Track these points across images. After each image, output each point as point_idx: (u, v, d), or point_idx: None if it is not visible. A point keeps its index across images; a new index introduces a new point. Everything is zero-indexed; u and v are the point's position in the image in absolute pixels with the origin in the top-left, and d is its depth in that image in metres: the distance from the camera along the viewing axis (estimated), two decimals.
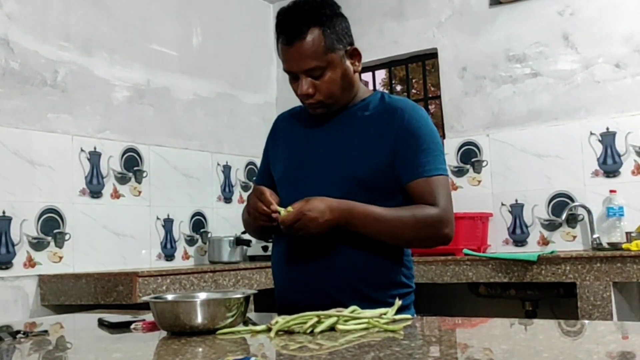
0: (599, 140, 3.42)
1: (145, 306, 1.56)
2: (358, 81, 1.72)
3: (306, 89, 1.60)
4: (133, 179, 3.37)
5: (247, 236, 3.45)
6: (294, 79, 1.63)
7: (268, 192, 1.59)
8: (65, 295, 2.84)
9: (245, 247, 3.64)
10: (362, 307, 1.42)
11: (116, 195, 3.27)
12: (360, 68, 1.69)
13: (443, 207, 1.59)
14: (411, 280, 1.72)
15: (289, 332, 1.29)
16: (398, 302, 1.45)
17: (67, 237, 3.03)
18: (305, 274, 1.65)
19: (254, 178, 1.95)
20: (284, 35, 1.59)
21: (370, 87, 4.53)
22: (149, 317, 1.57)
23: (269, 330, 1.30)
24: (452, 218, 1.61)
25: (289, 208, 1.54)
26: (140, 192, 3.39)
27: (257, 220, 1.61)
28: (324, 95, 1.62)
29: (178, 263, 3.54)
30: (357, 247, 1.62)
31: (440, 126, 3.97)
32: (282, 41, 1.60)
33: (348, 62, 1.64)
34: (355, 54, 1.67)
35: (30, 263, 2.88)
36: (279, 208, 1.56)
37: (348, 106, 1.70)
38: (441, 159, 1.65)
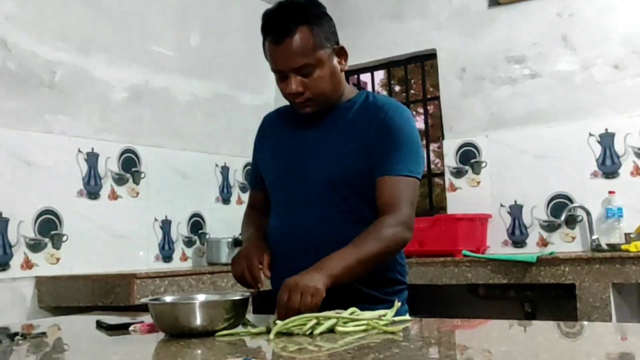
0: (598, 142, 3.42)
1: (143, 308, 1.56)
2: (344, 81, 1.73)
3: (296, 87, 1.60)
4: (131, 180, 3.36)
5: None
6: (282, 78, 1.63)
7: (256, 260, 1.62)
8: (62, 297, 2.83)
9: None
10: (360, 305, 1.43)
11: (114, 196, 3.26)
12: (346, 67, 1.70)
13: (402, 212, 1.56)
14: (405, 276, 1.73)
15: (288, 333, 1.29)
16: (397, 304, 1.45)
17: (64, 238, 3.02)
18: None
19: (249, 180, 1.94)
20: (273, 34, 1.59)
21: (369, 88, 4.53)
22: (147, 319, 1.57)
23: (268, 332, 1.29)
24: (411, 222, 1.58)
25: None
26: (138, 193, 3.39)
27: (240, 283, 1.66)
28: (313, 93, 1.62)
29: (176, 264, 3.53)
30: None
31: (439, 127, 3.97)
32: (270, 40, 1.60)
33: (335, 61, 1.66)
34: (342, 53, 1.68)
35: (28, 264, 2.87)
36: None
37: (335, 106, 1.70)
38: (414, 159, 1.62)
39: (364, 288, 1.62)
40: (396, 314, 1.50)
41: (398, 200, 1.57)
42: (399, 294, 1.67)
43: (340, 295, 1.56)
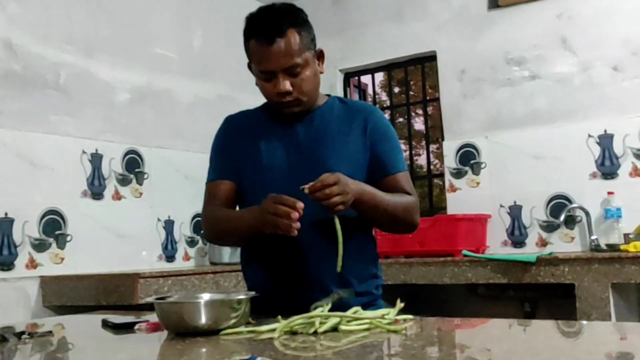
0: (597, 143, 3.44)
1: (146, 307, 1.57)
2: None
3: (287, 86, 1.65)
4: (134, 181, 3.38)
5: None
6: (268, 79, 1.67)
7: (284, 195, 1.55)
8: (66, 296, 2.84)
9: None
10: (352, 300, 1.53)
11: (117, 196, 3.28)
12: (324, 70, 1.77)
13: (415, 197, 1.76)
14: (381, 271, 1.83)
15: (293, 332, 1.31)
16: (400, 305, 1.46)
17: (68, 238, 3.04)
18: (298, 266, 1.67)
19: (210, 177, 1.89)
20: (264, 35, 1.64)
21: (370, 89, 4.56)
22: (152, 317, 1.57)
23: (272, 330, 1.31)
24: (419, 207, 1.78)
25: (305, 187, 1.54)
26: (141, 194, 3.40)
27: (277, 227, 1.51)
28: (299, 93, 1.68)
29: (179, 264, 3.55)
30: (344, 240, 1.65)
31: (439, 128, 3.99)
32: (260, 41, 1.65)
33: (316, 63, 1.73)
34: (321, 56, 1.76)
35: (32, 264, 2.89)
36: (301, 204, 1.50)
37: (312, 108, 1.77)
38: (403, 155, 1.82)
39: (355, 282, 1.69)
40: (376, 307, 1.61)
41: (408, 191, 1.75)
42: (379, 288, 1.79)
43: (332, 283, 1.64)
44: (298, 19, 1.68)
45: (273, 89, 1.67)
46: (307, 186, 1.53)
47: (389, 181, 1.74)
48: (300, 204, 1.49)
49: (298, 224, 1.49)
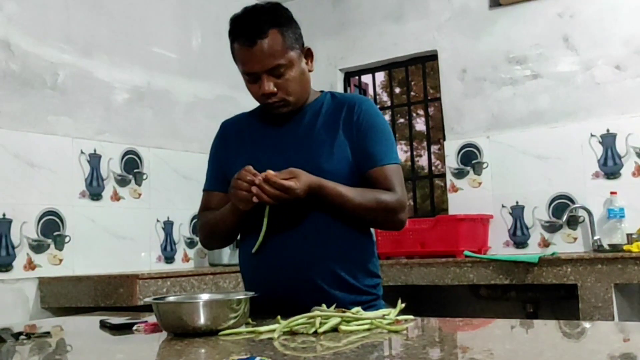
0: (600, 142, 3.42)
1: (145, 308, 1.56)
2: (310, 82, 1.78)
3: (271, 88, 1.65)
4: (133, 181, 3.36)
5: None
6: (253, 81, 1.68)
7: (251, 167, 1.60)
8: (65, 297, 2.83)
9: None
10: (346, 296, 1.55)
11: (116, 197, 3.27)
12: (313, 68, 1.76)
13: (400, 194, 1.68)
14: (379, 270, 1.80)
15: (293, 332, 1.29)
16: (401, 305, 1.45)
17: (67, 239, 3.03)
18: (289, 263, 1.66)
19: (205, 186, 1.91)
20: (246, 37, 1.63)
21: (370, 89, 4.54)
22: (151, 318, 1.57)
23: (272, 331, 1.30)
24: (406, 205, 1.71)
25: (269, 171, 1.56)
26: (140, 195, 3.39)
27: (240, 193, 1.57)
28: (285, 93, 1.67)
29: (178, 265, 3.54)
30: (335, 235, 1.66)
31: (440, 129, 3.98)
32: (242, 43, 1.64)
33: (303, 62, 1.72)
34: (309, 54, 1.74)
35: (31, 265, 2.88)
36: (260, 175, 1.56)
37: (305, 105, 1.76)
38: (394, 148, 1.75)
39: (349, 278, 1.67)
40: (376, 308, 1.60)
41: (394, 185, 1.68)
42: (378, 287, 1.76)
43: (328, 284, 1.64)
44: (281, 19, 1.66)
45: (258, 91, 1.68)
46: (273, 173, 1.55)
47: (373, 174, 1.68)
48: (258, 177, 1.54)
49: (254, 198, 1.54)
